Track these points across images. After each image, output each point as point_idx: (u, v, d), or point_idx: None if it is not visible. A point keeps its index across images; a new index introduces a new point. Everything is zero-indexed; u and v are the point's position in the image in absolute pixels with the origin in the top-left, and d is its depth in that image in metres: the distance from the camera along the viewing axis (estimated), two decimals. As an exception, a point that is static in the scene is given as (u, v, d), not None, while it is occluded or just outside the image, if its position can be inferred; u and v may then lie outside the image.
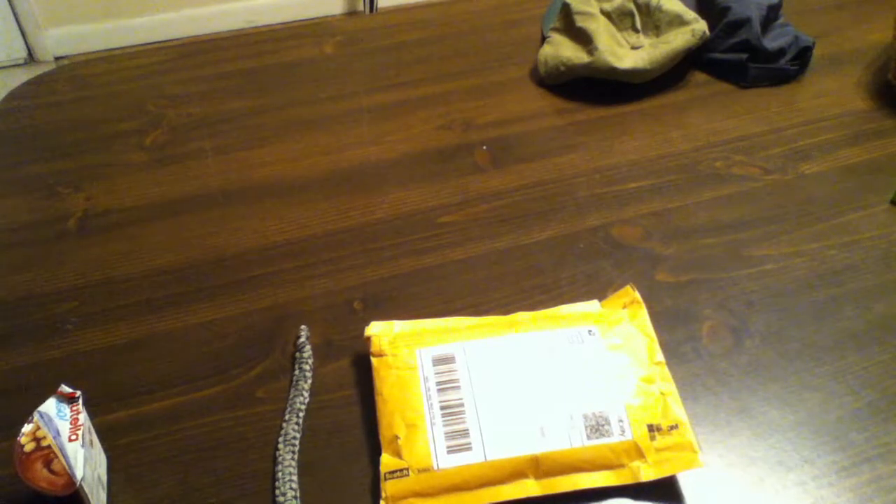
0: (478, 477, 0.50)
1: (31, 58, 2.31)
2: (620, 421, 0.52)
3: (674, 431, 0.53)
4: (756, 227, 0.71)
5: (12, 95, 0.90)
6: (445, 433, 0.52)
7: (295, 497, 0.51)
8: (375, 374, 0.56)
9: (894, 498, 0.51)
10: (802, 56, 0.89)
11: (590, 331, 0.57)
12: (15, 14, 2.22)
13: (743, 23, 0.88)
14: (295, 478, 0.52)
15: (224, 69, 0.93)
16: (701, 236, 0.70)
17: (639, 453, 0.52)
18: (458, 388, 0.54)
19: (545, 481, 0.51)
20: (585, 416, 0.52)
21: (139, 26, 2.35)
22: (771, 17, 0.91)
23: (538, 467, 0.51)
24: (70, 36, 2.32)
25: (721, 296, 0.65)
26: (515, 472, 0.51)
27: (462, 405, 0.53)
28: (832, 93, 0.87)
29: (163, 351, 0.61)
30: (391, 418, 0.53)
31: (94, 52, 2.35)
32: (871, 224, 0.71)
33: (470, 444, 0.51)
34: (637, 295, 0.61)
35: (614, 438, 0.52)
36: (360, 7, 2.49)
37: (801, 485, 0.52)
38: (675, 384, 0.55)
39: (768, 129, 0.82)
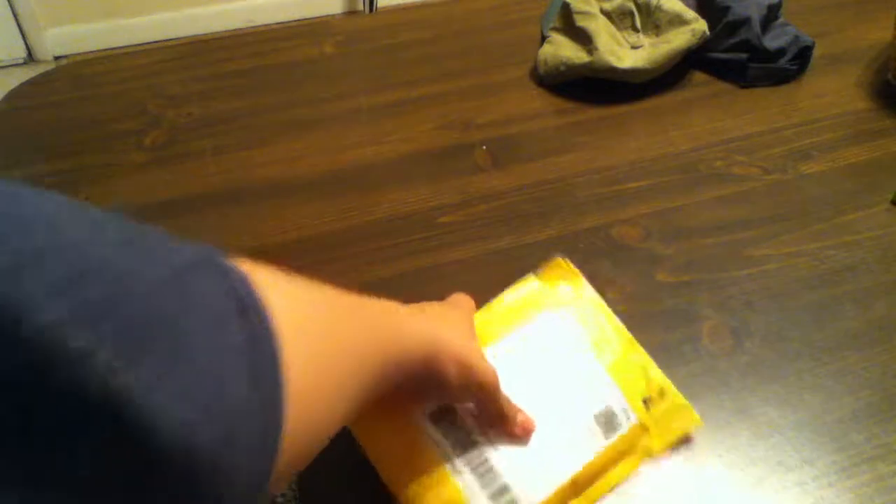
0: None
1: (30, 58, 2.31)
2: (624, 408, 0.52)
3: (664, 397, 0.54)
4: (756, 227, 0.71)
5: (12, 95, 0.90)
6: (488, 496, 0.48)
7: (295, 497, 0.51)
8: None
9: (894, 498, 0.51)
10: (802, 56, 0.89)
11: (561, 325, 0.56)
12: (15, 14, 2.22)
13: (743, 22, 0.88)
14: (295, 478, 0.52)
15: (224, 69, 0.93)
16: (701, 236, 0.70)
17: (644, 430, 0.52)
18: (476, 440, 0.50)
19: (584, 494, 0.51)
20: (596, 418, 0.52)
21: (139, 26, 2.35)
22: (771, 16, 0.91)
23: (577, 488, 0.50)
24: (70, 36, 2.32)
25: (721, 296, 0.65)
26: (560, 502, 0.50)
27: (488, 461, 0.49)
28: (832, 93, 0.87)
29: (163, 351, 0.61)
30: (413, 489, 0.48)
31: (94, 52, 2.35)
32: (871, 224, 0.71)
33: (514, 498, 0.48)
34: (572, 266, 0.59)
35: (625, 427, 0.52)
36: (360, 7, 2.49)
37: (802, 485, 0.52)
38: (643, 350, 0.56)
39: (768, 129, 0.82)
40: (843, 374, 0.59)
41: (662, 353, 0.59)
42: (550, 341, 0.55)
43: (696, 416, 0.54)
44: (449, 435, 0.49)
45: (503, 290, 0.59)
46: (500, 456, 0.49)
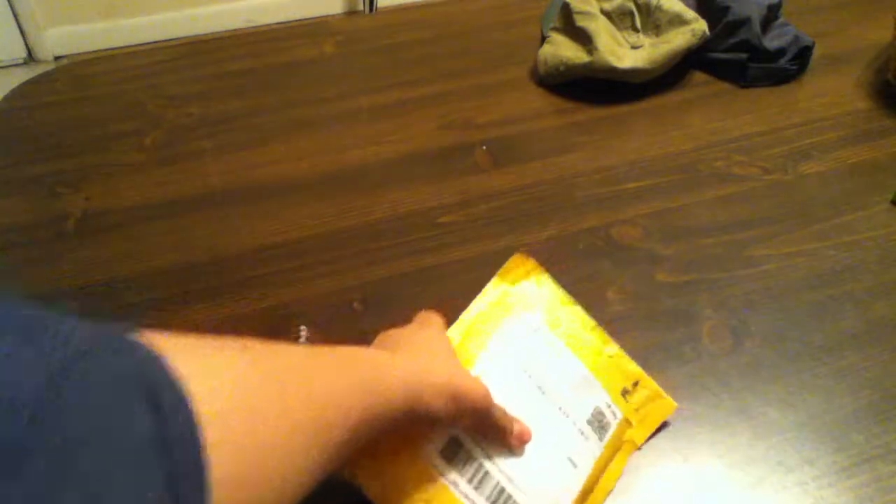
0: None
1: (30, 58, 2.31)
2: (609, 406, 0.53)
3: (639, 386, 0.54)
4: (756, 227, 0.71)
5: (12, 95, 0.90)
6: None
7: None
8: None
9: (894, 498, 0.51)
10: (802, 56, 0.89)
11: (536, 329, 0.55)
12: (15, 14, 2.22)
13: (743, 22, 0.88)
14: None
15: (224, 69, 0.93)
16: (701, 236, 0.70)
17: (628, 423, 0.53)
18: (489, 474, 0.48)
19: (589, 499, 0.51)
20: (590, 423, 0.52)
21: (139, 26, 2.35)
22: (771, 16, 0.91)
23: (584, 496, 0.50)
24: (70, 36, 2.32)
25: (721, 296, 0.65)
26: None
27: (504, 491, 0.48)
28: (832, 93, 0.87)
29: (163, 351, 0.61)
30: None
31: (93, 52, 2.35)
32: (871, 224, 0.71)
33: None
34: (531, 260, 0.58)
35: (614, 426, 0.52)
36: (360, 7, 2.48)
37: (802, 485, 0.52)
38: (615, 343, 0.56)
39: (768, 129, 0.82)
40: (843, 374, 0.59)
41: (662, 353, 0.59)
42: (529, 349, 0.53)
43: (672, 400, 0.55)
44: (463, 471, 0.47)
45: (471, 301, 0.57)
46: (515, 484, 0.48)
